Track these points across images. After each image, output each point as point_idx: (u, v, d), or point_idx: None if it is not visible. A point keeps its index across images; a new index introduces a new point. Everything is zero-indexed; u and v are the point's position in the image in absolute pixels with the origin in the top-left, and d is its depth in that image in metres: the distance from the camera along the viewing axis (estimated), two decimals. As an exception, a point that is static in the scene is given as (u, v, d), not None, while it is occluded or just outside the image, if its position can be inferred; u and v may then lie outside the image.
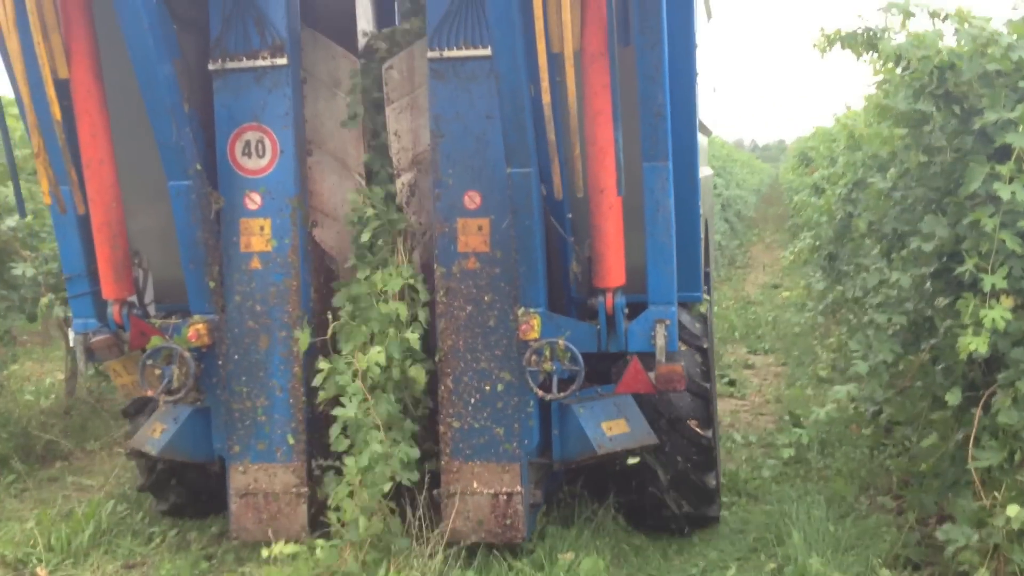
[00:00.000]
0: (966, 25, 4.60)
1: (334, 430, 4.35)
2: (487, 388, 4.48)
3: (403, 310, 4.47)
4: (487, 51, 4.25)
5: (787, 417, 6.88)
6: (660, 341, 4.27)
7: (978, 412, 4.15)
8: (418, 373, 4.48)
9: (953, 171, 4.79)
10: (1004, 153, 4.16)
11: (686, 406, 4.83)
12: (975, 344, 3.96)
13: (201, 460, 4.83)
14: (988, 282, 3.97)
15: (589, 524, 4.93)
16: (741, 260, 19.31)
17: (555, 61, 3.77)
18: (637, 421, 4.61)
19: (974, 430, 4.14)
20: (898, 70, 5.05)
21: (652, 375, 4.35)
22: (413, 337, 4.41)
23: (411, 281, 4.52)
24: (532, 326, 4.25)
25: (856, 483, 5.57)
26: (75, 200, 4.38)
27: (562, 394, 4.30)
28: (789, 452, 5.26)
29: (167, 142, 4.31)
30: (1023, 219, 3.99)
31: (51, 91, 3.99)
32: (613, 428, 4.55)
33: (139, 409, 5.21)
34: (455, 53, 4.38)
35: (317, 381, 4.47)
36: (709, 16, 5.22)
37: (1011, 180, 3.96)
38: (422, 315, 4.57)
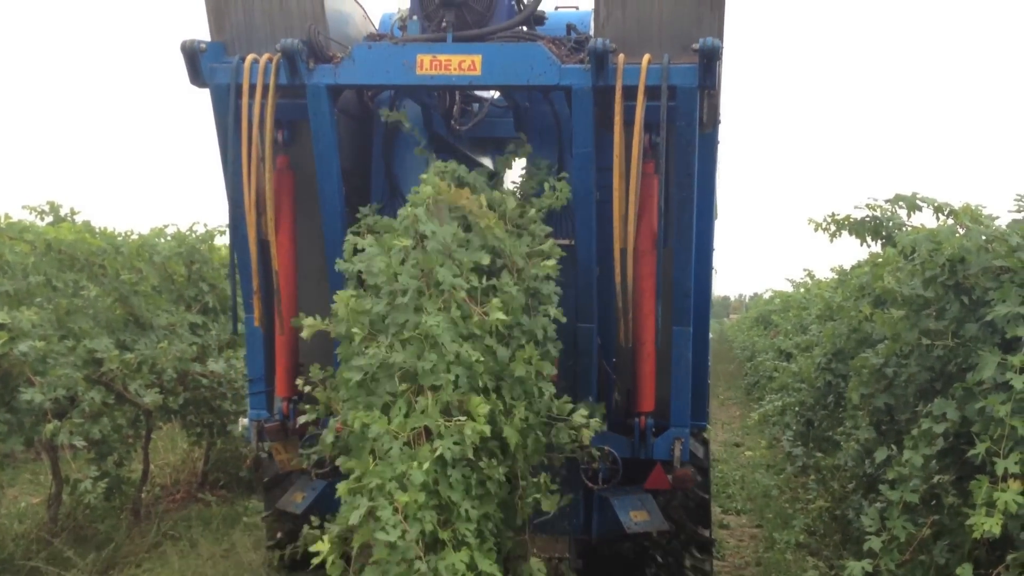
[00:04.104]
0: (968, 220, 5.00)
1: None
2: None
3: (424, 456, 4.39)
4: (568, 241, 5.63)
5: (775, 582, 6.98)
6: (677, 452, 5.73)
7: (988, 589, 4.32)
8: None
9: (955, 356, 5.10)
10: (1011, 343, 4.47)
11: (690, 509, 6.43)
12: (988, 525, 4.17)
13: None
14: (1001, 466, 4.20)
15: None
16: (698, 416, 19.48)
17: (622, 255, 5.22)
18: (655, 513, 6.02)
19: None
20: (902, 258, 5.42)
21: (670, 477, 5.87)
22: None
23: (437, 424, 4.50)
24: (586, 436, 5.38)
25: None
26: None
27: (605, 486, 5.68)
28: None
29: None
30: (1032, 407, 4.25)
31: (274, 250, 5.54)
32: (638, 516, 5.96)
33: (277, 484, 6.52)
34: None
35: (352, 517, 4.39)
36: (716, 216, 6.54)
37: (1022, 371, 4.25)
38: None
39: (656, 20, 5.16)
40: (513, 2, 6.10)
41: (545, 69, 5.28)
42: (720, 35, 5.14)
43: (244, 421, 6.19)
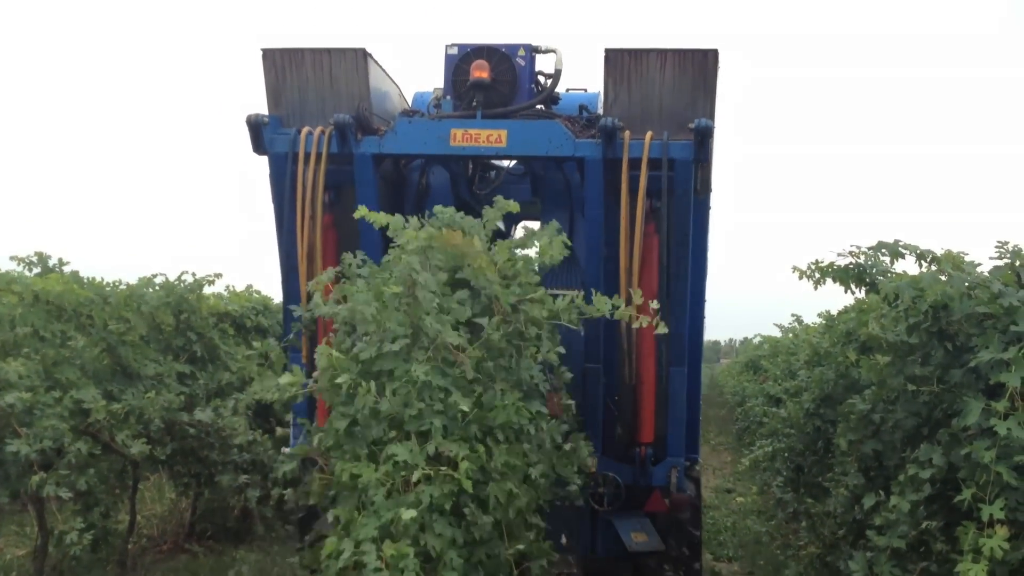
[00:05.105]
0: (950, 268, 5.04)
1: None
2: (558, 503, 5.87)
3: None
4: (576, 292, 6.05)
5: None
6: (674, 479, 6.43)
7: (977, 636, 4.29)
8: None
9: (941, 401, 5.12)
10: (995, 389, 4.49)
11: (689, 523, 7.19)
12: (975, 571, 4.16)
13: None
14: (987, 512, 4.21)
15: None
16: (690, 461, 19.42)
17: None
18: (652, 535, 6.72)
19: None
20: (886, 305, 5.46)
21: (667, 501, 6.58)
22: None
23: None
24: (592, 464, 5.85)
25: None
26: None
27: (609, 507, 6.45)
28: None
29: None
30: (1017, 454, 4.26)
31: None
32: (638, 537, 6.65)
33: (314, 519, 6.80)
34: (555, 291, 5.99)
35: (339, 563, 4.32)
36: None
37: (1006, 416, 4.27)
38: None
39: (657, 103, 6.08)
40: (532, 85, 6.92)
41: (562, 143, 6.17)
42: (712, 116, 5.94)
43: (287, 451, 6.54)
